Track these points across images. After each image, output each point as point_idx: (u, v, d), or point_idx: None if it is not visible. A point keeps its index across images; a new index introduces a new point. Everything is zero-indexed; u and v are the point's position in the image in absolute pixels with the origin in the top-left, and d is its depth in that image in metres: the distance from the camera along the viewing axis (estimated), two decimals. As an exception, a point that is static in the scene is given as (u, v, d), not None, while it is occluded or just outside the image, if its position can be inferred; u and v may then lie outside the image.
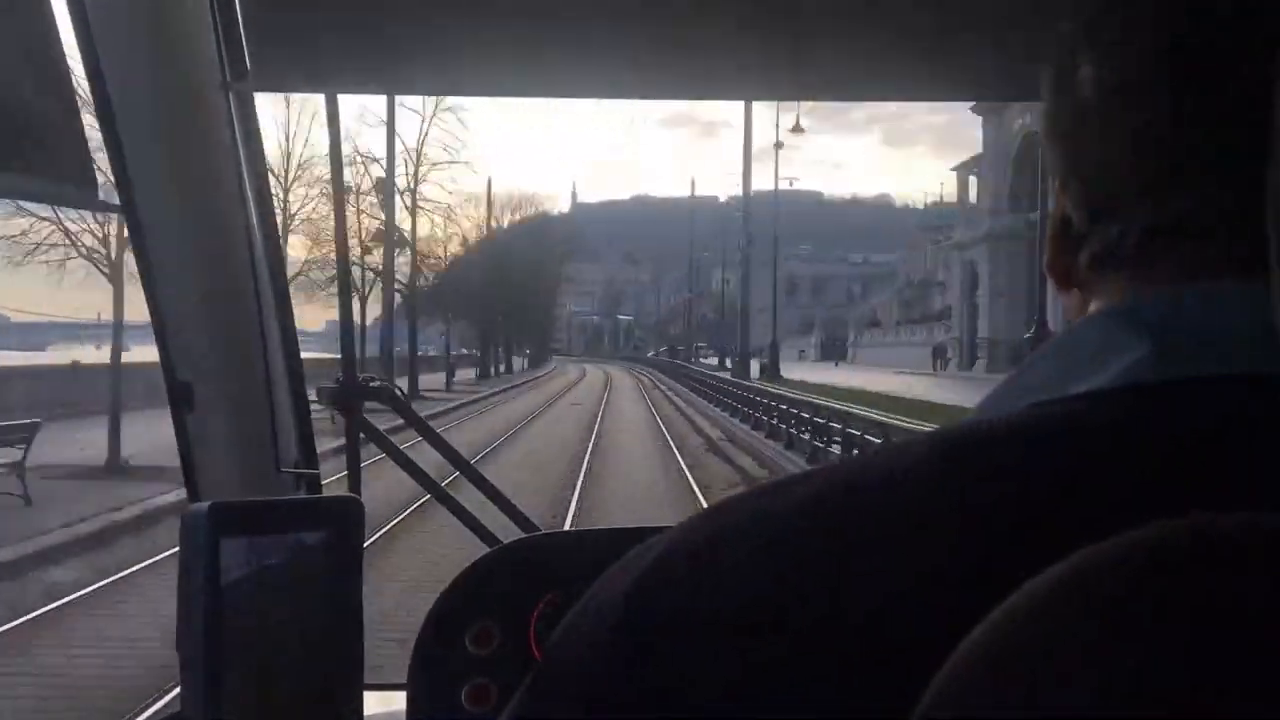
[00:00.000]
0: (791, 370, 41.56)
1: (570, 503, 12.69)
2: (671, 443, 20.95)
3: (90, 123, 1.25)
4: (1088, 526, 0.35)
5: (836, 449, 16.24)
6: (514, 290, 59.08)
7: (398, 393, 1.55)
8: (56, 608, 7.64)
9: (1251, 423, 0.41)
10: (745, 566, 0.42)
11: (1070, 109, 0.50)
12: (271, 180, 1.73)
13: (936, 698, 0.33)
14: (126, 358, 16.83)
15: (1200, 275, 0.46)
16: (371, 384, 1.52)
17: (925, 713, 0.33)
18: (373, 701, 1.12)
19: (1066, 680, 0.31)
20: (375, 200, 33.11)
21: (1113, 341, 0.46)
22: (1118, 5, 0.50)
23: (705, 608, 0.41)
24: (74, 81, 1.20)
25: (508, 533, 1.49)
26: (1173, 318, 0.45)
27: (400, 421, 1.54)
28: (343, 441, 1.48)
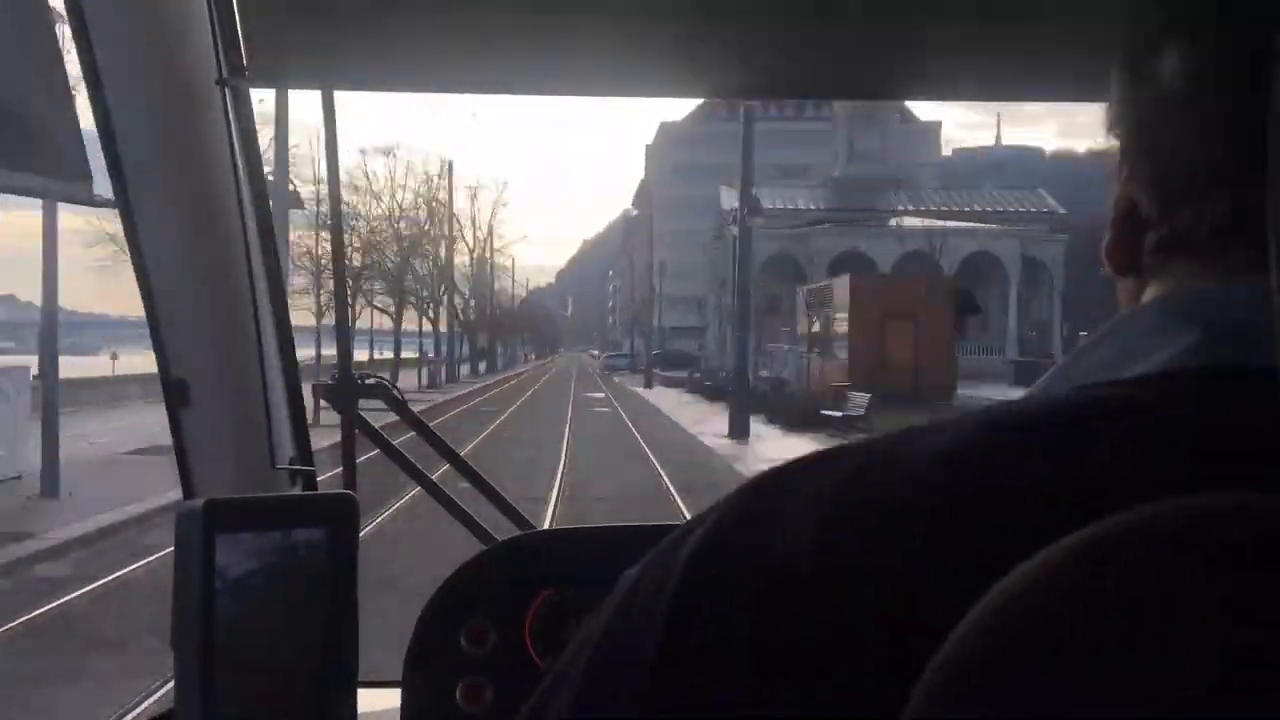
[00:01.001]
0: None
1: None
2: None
3: (86, 118, 1.24)
4: (1120, 508, 0.35)
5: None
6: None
7: (393, 390, 1.55)
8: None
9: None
10: (794, 537, 0.42)
11: (1151, 96, 0.50)
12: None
13: (933, 687, 0.34)
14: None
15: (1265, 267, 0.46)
16: (367, 381, 1.52)
17: (922, 701, 0.34)
18: (367, 699, 1.12)
19: (1046, 676, 0.31)
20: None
21: (1162, 329, 0.47)
22: None
23: (758, 572, 0.42)
24: (69, 77, 1.19)
25: (502, 530, 1.48)
26: (1222, 308, 0.46)
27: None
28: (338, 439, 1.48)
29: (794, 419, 22.30)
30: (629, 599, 0.46)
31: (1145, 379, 0.45)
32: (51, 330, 12.94)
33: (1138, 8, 0.52)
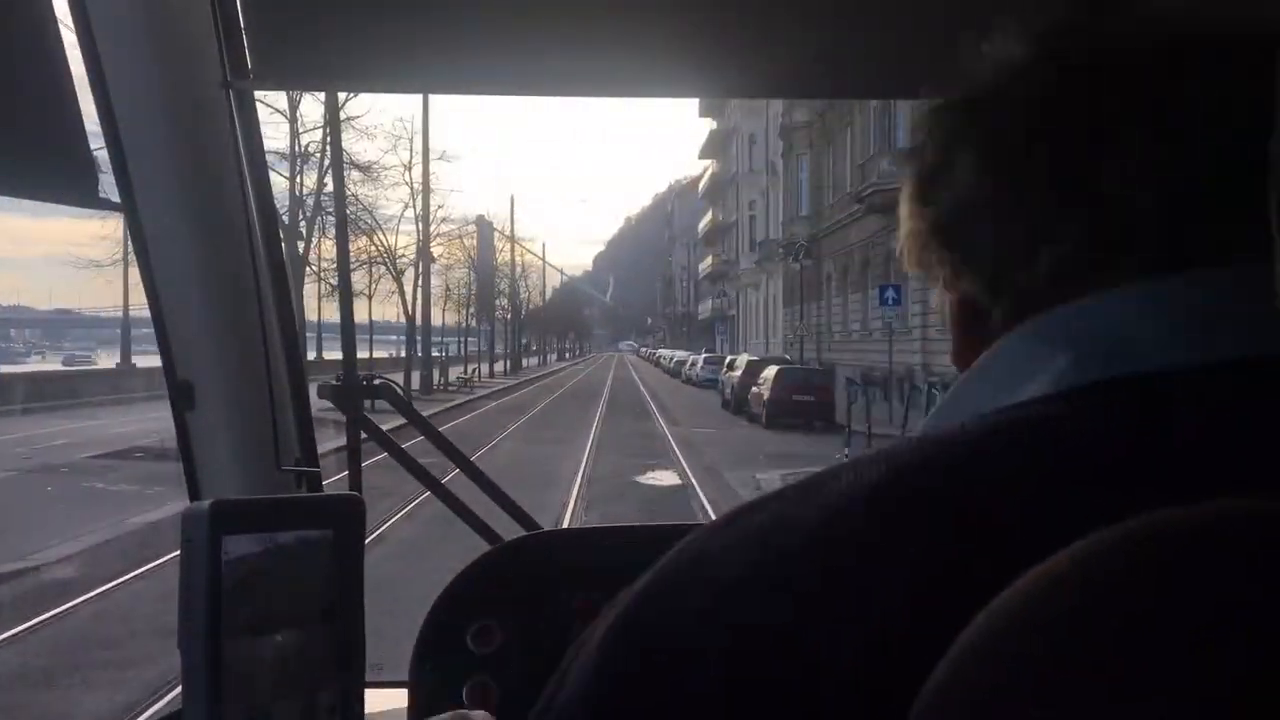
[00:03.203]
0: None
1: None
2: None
3: (91, 121, 1.25)
4: (1033, 528, 0.37)
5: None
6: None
7: (398, 391, 1.55)
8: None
9: (1173, 420, 0.43)
10: (721, 592, 0.43)
11: (946, 205, 0.54)
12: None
13: None
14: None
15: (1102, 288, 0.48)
16: (373, 382, 1.52)
17: None
18: (374, 699, 1.12)
19: (1037, 706, 0.31)
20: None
21: (1034, 355, 0.48)
22: (981, 90, 0.54)
23: (709, 624, 0.42)
24: (75, 80, 1.20)
25: (509, 530, 1.49)
26: (1085, 328, 0.48)
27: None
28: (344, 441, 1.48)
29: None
30: (583, 639, 0.47)
31: (1041, 401, 0.46)
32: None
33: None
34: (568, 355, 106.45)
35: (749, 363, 29.09)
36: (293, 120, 29.22)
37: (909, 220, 0.58)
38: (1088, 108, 0.50)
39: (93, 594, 7.92)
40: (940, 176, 0.55)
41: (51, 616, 7.34)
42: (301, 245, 29.04)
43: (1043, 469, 0.42)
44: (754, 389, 25.21)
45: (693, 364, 47.24)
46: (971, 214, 0.53)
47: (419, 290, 35.26)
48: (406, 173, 35.77)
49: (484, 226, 47.04)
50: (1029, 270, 0.51)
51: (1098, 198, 0.49)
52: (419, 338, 34.45)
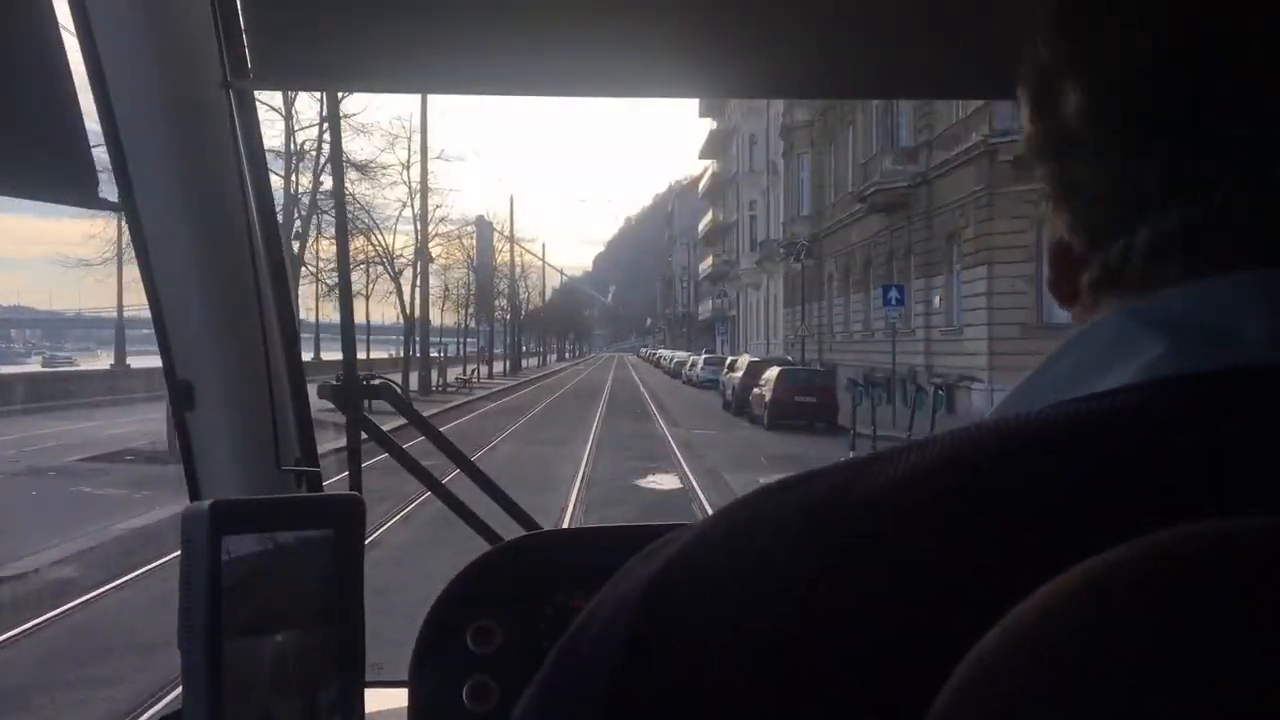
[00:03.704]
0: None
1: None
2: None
3: (91, 121, 1.25)
4: (1109, 526, 0.35)
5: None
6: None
7: (398, 391, 1.55)
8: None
9: (1268, 418, 0.40)
10: (750, 575, 0.41)
11: (1059, 132, 0.49)
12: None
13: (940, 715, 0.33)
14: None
15: (1210, 274, 0.45)
16: (372, 382, 1.52)
17: None
18: (374, 699, 1.12)
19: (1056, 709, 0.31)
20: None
21: (1128, 340, 0.45)
22: (1097, 23, 0.48)
23: (714, 617, 0.41)
24: (74, 79, 1.20)
25: (509, 530, 1.49)
26: (1188, 313, 0.44)
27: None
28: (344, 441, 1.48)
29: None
30: (582, 629, 0.45)
31: (1121, 391, 0.43)
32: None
33: (1034, 46, 0.50)
34: (568, 356, 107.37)
35: (750, 363, 28.83)
36: (288, 118, 29.18)
37: (1025, 120, 0.52)
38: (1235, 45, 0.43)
39: (71, 605, 7.66)
40: (1054, 85, 0.48)
41: (32, 627, 7.11)
42: (297, 245, 28.96)
43: (1079, 472, 0.39)
44: (755, 390, 25.06)
45: (693, 365, 47.08)
46: (1075, 148, 0.47)
47: (417, 290, 35.17)
48: (405, 172, 35.77)
49: (483, 226, 47.14)
50: (1127, 236, 0.46)
51: (1226, 163, 0.43)
52: (417, 338, 34.38)
